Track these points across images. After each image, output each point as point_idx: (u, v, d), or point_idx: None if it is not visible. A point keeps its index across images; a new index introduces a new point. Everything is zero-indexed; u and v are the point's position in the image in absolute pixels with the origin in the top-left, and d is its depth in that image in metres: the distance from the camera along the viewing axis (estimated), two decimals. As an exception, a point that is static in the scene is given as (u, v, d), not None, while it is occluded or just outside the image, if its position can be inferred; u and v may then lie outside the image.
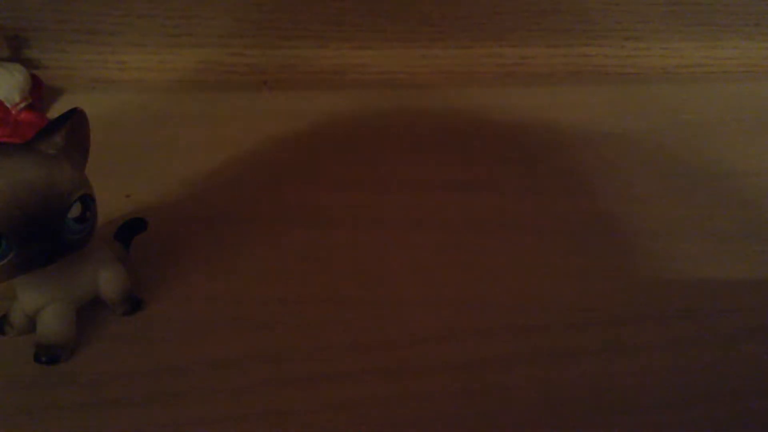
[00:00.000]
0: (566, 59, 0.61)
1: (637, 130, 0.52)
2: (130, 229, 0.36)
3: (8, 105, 0.48)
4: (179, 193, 0.42)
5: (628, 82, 0.61)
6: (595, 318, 0.33)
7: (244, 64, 0.59)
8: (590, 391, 0.29)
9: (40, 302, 0.29)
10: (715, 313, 0.34)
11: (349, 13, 0.58)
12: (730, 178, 0.46)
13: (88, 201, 0.28)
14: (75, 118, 0.28)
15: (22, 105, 0.49)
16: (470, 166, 0.47)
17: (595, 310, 0.34)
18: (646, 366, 0.31)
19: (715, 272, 0.37)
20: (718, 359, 0.31)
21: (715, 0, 0.60)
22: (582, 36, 0.60)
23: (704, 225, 0.41)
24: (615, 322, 0.33)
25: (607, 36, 0.61)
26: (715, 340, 0.32)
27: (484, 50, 0.60)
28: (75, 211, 0.27)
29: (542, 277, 0.36)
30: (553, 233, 0.40)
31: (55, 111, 0.52)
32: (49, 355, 0.29)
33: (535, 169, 0.47)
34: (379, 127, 0.52)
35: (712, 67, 0.62)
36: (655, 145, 0.50)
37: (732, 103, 0.57)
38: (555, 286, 0.35)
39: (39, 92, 0.52)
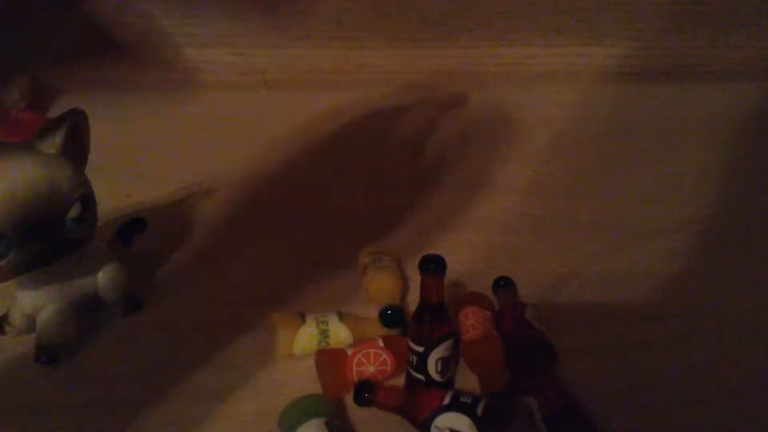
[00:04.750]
0: (566, 59, 0.61)
1: (638, 130, 0.52)
2: (130, 229, 0.36)
3: (8, 105, 0.48)
4: (179, 193, 0.42)
5: (627, 81, 0.60)
6: (597, 317, 0.33)
7: (244, 64, 0.59)
8: (596, 389, 0.29)
9: (40, 302, 0.29)
10: (715, 313, 0.34)
11: (349, 13, 0.58)
12: (731, 177, 0.46)
13: (87, 200, 0.28)
14: (75, 118, 0.28)
15: (22, 105, 0.49)
16: (470, 166, 0.47)
17: (596, 310, 0.34)
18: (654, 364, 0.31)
19: (715, 272, 0.37)
20: (719, 359, 0.31)
21: (715, 0, 0.60)
22: (582, 36, 0.60)
23: (705, 224, 0.41)
24: (616, 322, 0.33)
25: (607, 36, 0.61)
26: (714, 340, 0.32)
27: (484, 50, 0.60)
28: (75, 210, 0.27)
29: (542, 276, 0.36)
30: (554, 233, 0.40)
31: (55, 111, 0.52)
32: (49, 355, 0.29)
33: (536, 169, 0.47)
34: (379, 127, 0.52)
35: (712, 67, 0.62)
36: (655, 144, 0.50)
37: (732, 103, 0.57)
38: (554, 285, 0.35)
39: (39, 92, 0.52)
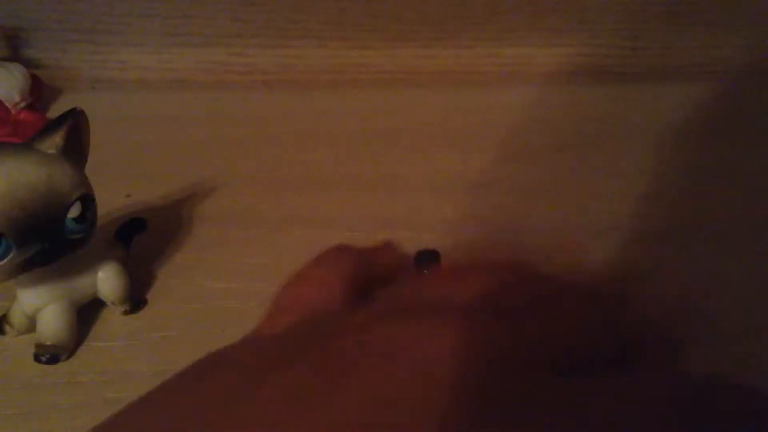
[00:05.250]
0: (566, 59, 0.61)
1: (638, 130, 0.52)
2: (130, 229, 0.36)
3: (8, 105, 0.48)
4: (179, 193, 0.42)
5: (627, 82, 0.60)
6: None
7: (244, 64, 0.59)
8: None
9: (40, 302, 0.29)
10: (714, 314, 0.34)
11: (349, 13, 0.58)
12: (732, 177, 0.46)
13: (87, 200, 0.28)
14: (75, 117, 0.28)
15: (22, 105, 0.49)
16: (470, 167, 0.47)
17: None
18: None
19: (715, 271, 0.37)
20: (718, 359, 0.31)
21: (714, 0, 0.60)
22: (582, 36, 0.60)
23: (706, 224, 0.41)
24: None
25: (607, 36, 0.61)
26: (713, 340, 0.32)
27: (484, 50, 0.60)
28: (75, 210, 0.27)
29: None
30: (554, 234, 0.40)
31: (55, 111, 0.52)
32: (49, 355, 0.29)
33: (536, 169, 0.47)
34: (379, 127, 0.52)
35: (712, 67, 0.62)
36: (655, 144, 0.50)
37: (732, 103, 0.57)
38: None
39: (39, 92, 0.52)
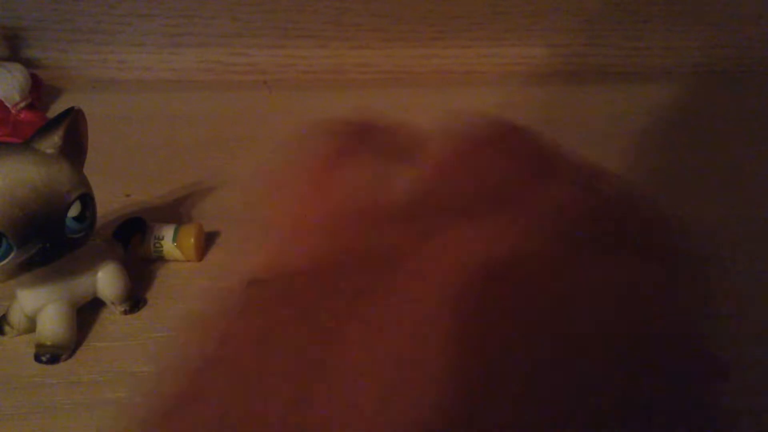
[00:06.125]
0: (566, 59, 0.61)
1: (637, 130, 0.52)
2: (130, 228, 0.36)
3: (8, 105, 0.48)
4: (179, 193, 0.42)
5: (628, 82, 0.61)
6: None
7: (244, 64, 0.59)
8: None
9: (40, 302, 0.29)
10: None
11: (349, 13, 0.58)
12: (732, 177, 0.46)
13: (87, 200, 0.28)
14: (73, 117, 0.28)
15: (22, 105, 0.49)
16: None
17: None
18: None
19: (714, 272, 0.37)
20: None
21: (714, 0, 0.60)
22: (582, 36, 0.60)
23: (707, 224, 0.41)
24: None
25: (607, 36, 0.61)
26: (713, 341, 0.32)
27: (484, 50, 0.60)
28: (74, 210, 0.27)
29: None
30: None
31: (55, 111, 0.52)
32: (49, 355, 0.29)
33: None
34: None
35: (711, 67, 0.62)
36: (655, 144, 0.50)
37: (732, 102, 0.57)
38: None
39: (39, 92, 0.52)
